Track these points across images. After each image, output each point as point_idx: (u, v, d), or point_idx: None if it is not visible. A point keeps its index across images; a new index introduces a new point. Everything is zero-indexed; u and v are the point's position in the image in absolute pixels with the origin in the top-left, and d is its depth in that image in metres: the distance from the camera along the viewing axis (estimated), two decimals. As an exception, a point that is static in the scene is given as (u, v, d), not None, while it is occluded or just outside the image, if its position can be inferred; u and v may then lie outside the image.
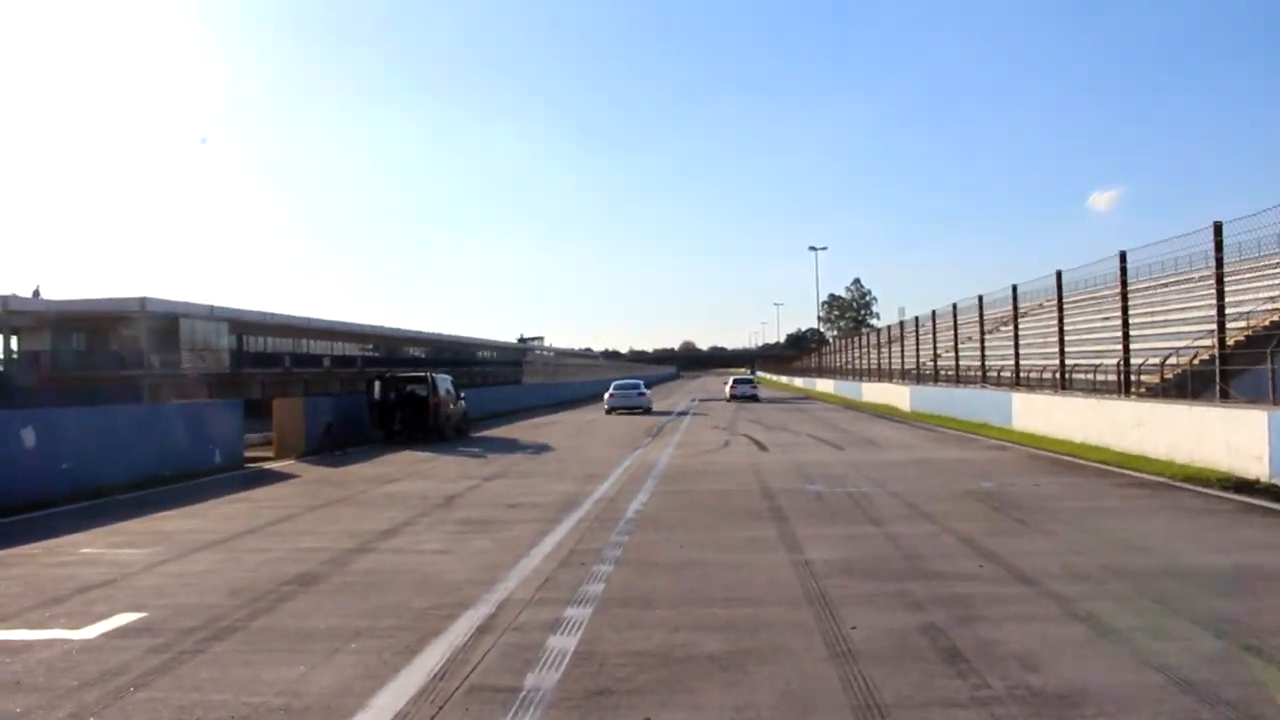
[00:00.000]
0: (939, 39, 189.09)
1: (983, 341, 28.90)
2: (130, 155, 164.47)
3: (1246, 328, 23.78)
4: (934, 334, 34.75)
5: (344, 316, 75.42)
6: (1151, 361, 20.80)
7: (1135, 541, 8.94)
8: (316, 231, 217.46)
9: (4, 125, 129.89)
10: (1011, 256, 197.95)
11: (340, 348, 72.60)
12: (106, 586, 7.95)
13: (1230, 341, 18.52)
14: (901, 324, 41.39)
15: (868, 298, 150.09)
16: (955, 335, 31.75)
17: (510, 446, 23.40)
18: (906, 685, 4.98)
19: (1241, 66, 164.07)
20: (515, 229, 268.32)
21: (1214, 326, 23.95)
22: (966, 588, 7.13)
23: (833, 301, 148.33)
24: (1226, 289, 22.35)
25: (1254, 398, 14.82)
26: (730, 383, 53.27)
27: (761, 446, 21.25)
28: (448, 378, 27.33)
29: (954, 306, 31.71)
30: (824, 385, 66.69)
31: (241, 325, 56.36)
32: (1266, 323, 24.95)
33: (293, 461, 20.03)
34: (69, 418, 16.44)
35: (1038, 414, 21.83)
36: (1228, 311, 20.30)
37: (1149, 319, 29.46)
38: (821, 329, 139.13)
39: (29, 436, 13.99)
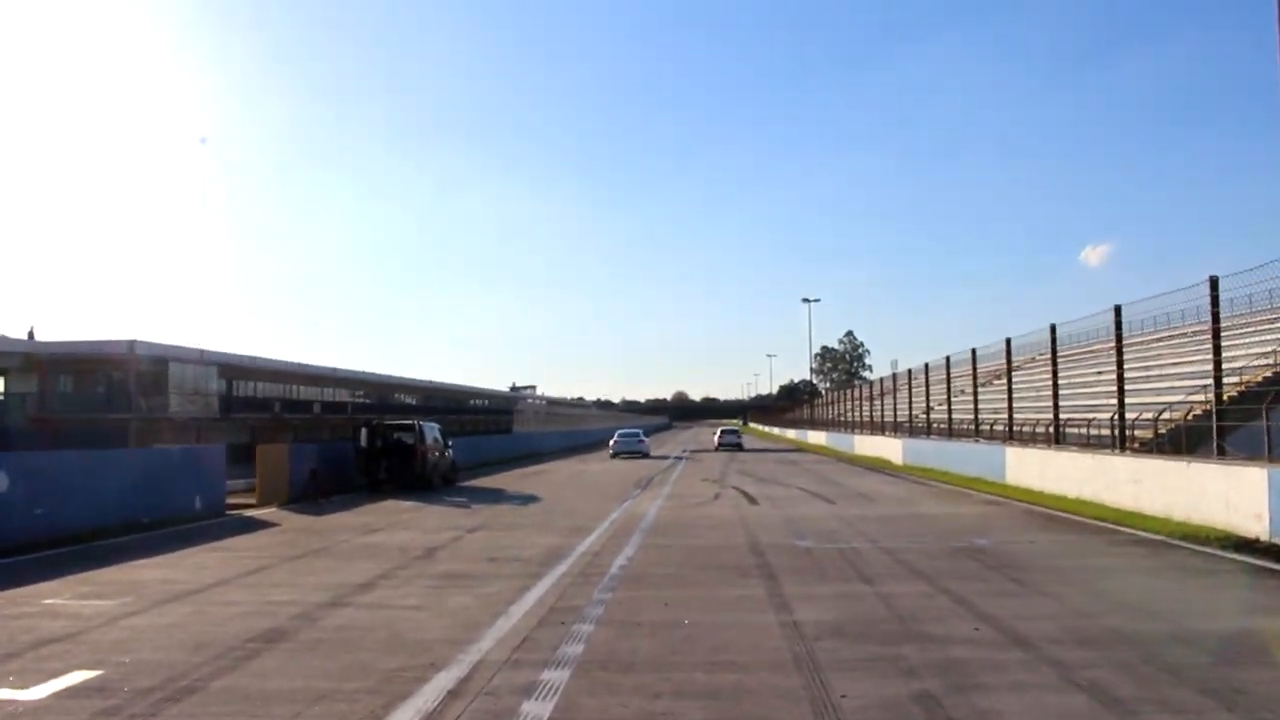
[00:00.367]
0: (934, 97, 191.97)
1: (976, 395, 28.74)
2: (128, 198, 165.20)
3: (1240, 383, 23.64)
4: (927, 387, 34.57)
5: (336, 362, 74.98)
6: (1145, 416, 20.61)
7: (1137, 604, 8.64)
8: (310, 278, 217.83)
9: None
10: (1005, 310, 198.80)
11: (331, 393, 72.05)
12: (65, 641, 7.60)
13: (1224, 397, 18.35)
14: (894, 376, 41.26)
15: (860, 350, 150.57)
16: (948, 388, 31.57)
17: (497, 497, 23.04)
18: (900, 761, 4.67)
19: (1230, 127, 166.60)
20: (511, 278, 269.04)
21: (1207, 382, 23.91)
22: (962, 652, 6.83)
23: (825, 353, 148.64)
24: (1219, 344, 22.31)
25: (1251, 454, 14.60)
26: (718, 433, 60.84)
27: (751, 500, 20.92)
28: (436, 425, 27.02)
29: (947, 359, 31.58)
30: (816, 437, 66.46)
31: (232, 370, 55.92)
32: (1259, 378, 24.81)
33: (275, 509, 19.63)
34: (45, 461, 16.11)
35: (1032, 469, 21.57)
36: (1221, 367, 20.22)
37: (1142, 373, 29.37)
38: (814, 381, 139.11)
39: (1, 480, 13.64)
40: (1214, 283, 15.31)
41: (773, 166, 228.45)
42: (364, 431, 24.91)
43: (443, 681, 6.21)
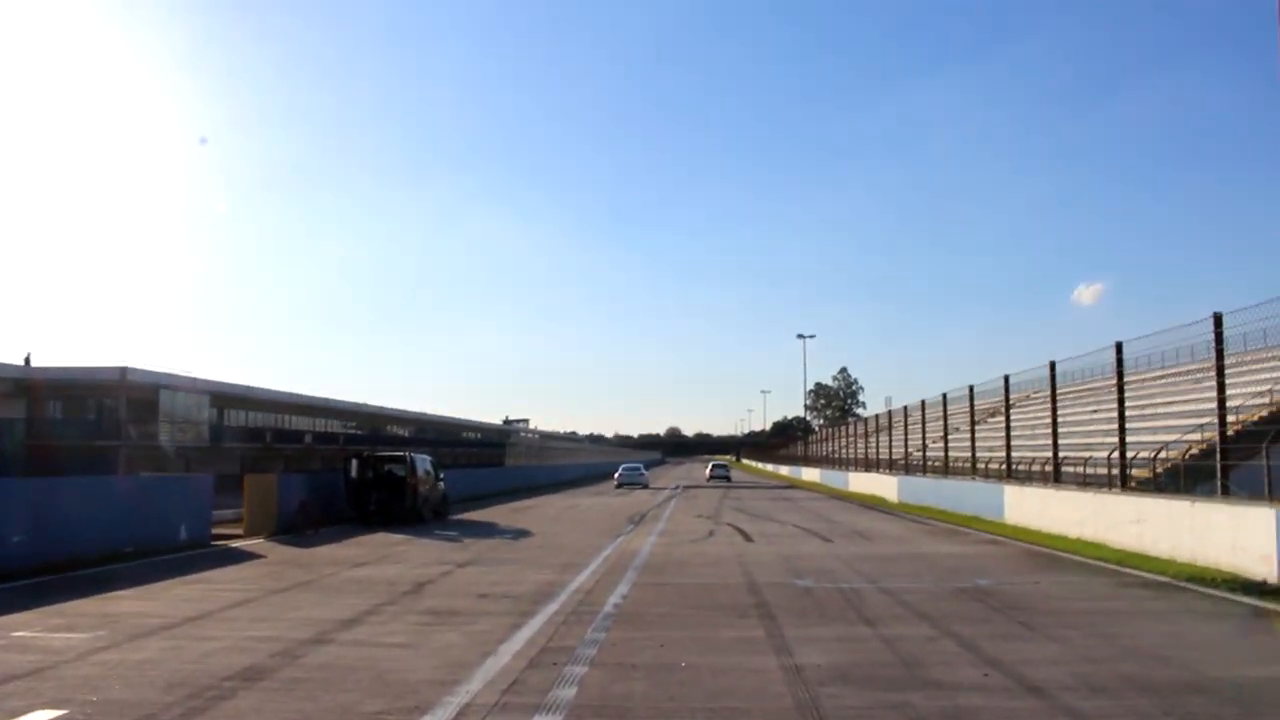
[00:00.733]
0: (928, 136, 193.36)
1: (973, 432, 28.48)
2: (125, 225, 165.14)
3: (1236, 422, 23.42)
4: (923, 424, 34.31)
5: (329, 393, 74.64)
6: (1142, 455, 20.37)
7: (1150, 649, 8.34)
8: (303, 307, 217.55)
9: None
10: (998, 348, 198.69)
11: (323, 424, 71.66)
12: (31, 677, 7.25)
13: (1226, 436, 18.15)
14: (890, 413, 40.99)
15: (854, 387, 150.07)
16: (945, 426, 31.35)
17: (488, 531, 22.65)
18: (914, 820, 4.37)
19: (1225, 164, 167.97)
20: (506, 312, 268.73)
21: (1202, 421, 23.76)
22: (971, 700, 6.52)
23: (819, 390, 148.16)
24: (1211, 384, 22.10)
25: (1251, 493, 14.37)
26: (710, 467, 73.16)
27: (747, 537, 20.57)
28: (427, 458, 26.66)
29: (944, 397, 31.38)
30: (810, 474, 66.13)
31: (223, 398, 55.54)
32: (1256, 417, 24.64)
33: (262, 540, 19.24)
34: (25, 488, 15.74)
35: (1031, 507, 21.29)
36: (1213, 407, 19.99)
37: (1137, 412, 29.15)
38: (808, 417, 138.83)
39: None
40: (1218, 319, 15.16)
41: (768, 202, 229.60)
42: (354, 463, 24.54)
43: (427, 726, 5.89)
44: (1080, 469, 22.29)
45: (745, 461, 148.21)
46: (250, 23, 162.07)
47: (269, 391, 60.23)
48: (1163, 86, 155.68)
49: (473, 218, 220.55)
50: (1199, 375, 27.53)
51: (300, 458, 61.28)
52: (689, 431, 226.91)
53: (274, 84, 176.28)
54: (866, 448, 44.80)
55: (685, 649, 8.31)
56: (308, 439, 65.91)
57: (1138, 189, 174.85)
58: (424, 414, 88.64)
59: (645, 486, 52.27)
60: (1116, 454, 18.74)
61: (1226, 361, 24.37)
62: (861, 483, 43.02)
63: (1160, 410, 30.14)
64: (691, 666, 7.58)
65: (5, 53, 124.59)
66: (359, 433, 74.62)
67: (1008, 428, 25.62)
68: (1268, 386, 26.12)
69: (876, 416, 46.33)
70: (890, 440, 39.41)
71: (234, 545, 18.34)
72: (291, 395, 63.12)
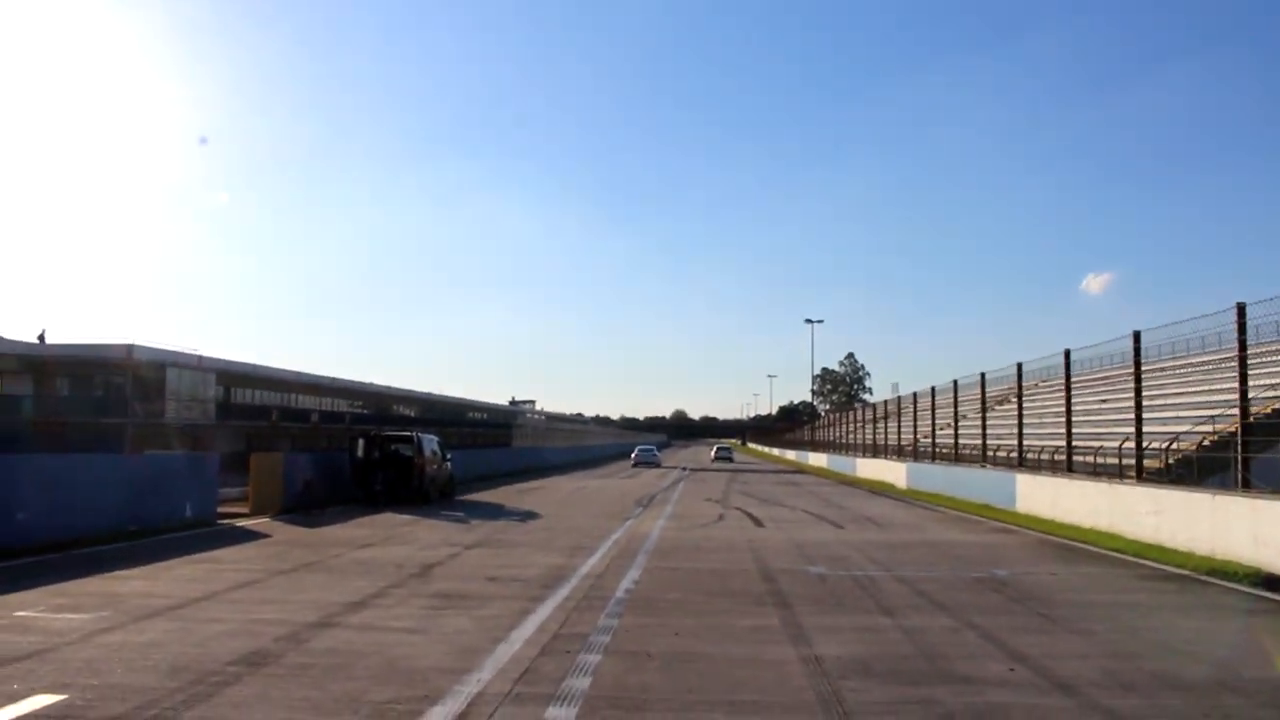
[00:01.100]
0: (937, 123, 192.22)
1: (984, 420, 28.19)
2: (132, 203, 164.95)
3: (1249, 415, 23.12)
4: (933, 410, 34.02)
5: (336, 372, 74.47)
6: (1154, 445, 20.07)
7: (1178, 645, 8.12)
8: (310, 287, 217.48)
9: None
10: (1005, 337, 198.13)
11: (329, 403, 71.52)
12: (32, 659, 7.08)
13: (1231, 428, 17.87)
14: (899, 399, 40.70)
15: (861, 373, 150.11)
16: (955, 412, 31.05)
17: (496, 512, 22.48)
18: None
19: (1234, 157, 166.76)
20: (513, 294, 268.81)
21: (1215, 412, 23.43)
22: (1000, 696, 6.31)
23: (826, 375, 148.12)
24: (1222, 376, 21.77)
25: (1266, 485, 14.11)
26: (714, 449, 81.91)
27: (757, 522, 20.37)
28: (434, 438, 26.50)
29: (955, 383, 31.07)
30: (816, 459, 65.85)
31: (230, 377, 55.41)
32: (1268, 410, 24.33)
33: (267, 519, 19.09)
34: (27, 465, 15.57)
35: (1044, 496, 21.04)
36: (1225, 398, 19.62)
37: (1149, 401, 28.81)
38: (814, 402, 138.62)
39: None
40: (1241, 309, 14.86)
41: (778, 187, 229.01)
42: (361, 442, 24.35)
43: (437, 717, 5.69)
44: (1091, 458, 22.04)
45: (751, 445, 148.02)
46: (258, 3, 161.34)
47: (275, 370, 60.06)
48: (1174, 77, 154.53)
49: (480, 200, 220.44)
50: (1210, 366, 27.19)
51: (307, 437, 61.22)
52: (695, 415, 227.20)
53: (283, 69, 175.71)
54: (874, 433, 44.53)
55: (700, 638, 8.12)
56: (314, 418, 65.88)
57: (1148, 179, 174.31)
58: (431, 394, 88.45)
59: (658, 466, 59.68)
60: (1130, 444, 18.47)
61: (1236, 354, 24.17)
62: (869, 468, 42.79)
63: (1170, 401, 29.81)
64: (708, 656, 7.37)
65: (12, 37, 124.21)
66: (365, 412, 74.55)
67: (1020, 416, 25.34)
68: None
69: (885, 402, 46.06)
70: (899, 426, 39.12)
71: (240, 524, 18.20)
72: (298, 374, 62.94)
